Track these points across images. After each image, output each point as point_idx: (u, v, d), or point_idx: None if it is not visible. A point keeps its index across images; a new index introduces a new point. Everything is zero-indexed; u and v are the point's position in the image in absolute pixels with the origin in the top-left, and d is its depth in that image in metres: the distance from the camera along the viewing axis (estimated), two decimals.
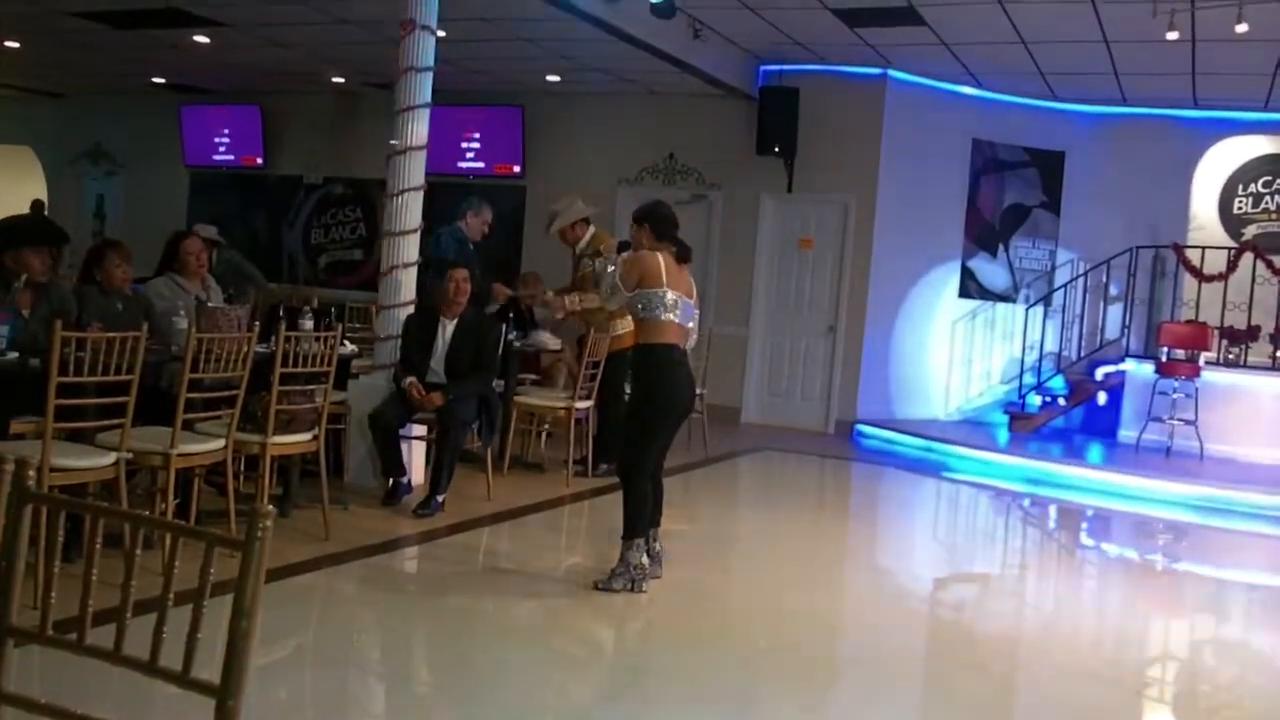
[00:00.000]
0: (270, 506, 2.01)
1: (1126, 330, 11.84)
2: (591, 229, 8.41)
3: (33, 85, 15.55)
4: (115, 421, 4.75)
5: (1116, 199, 11.85)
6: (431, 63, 7.20)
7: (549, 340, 8.96)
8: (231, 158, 14.84)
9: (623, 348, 8.27)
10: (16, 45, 12.70)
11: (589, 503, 7.66)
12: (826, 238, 11.84)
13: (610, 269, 5.49)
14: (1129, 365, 11.39)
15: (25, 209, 14.09)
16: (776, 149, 11.51)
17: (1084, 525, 9.00)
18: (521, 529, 6.80)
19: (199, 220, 11.42)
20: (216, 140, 14.90)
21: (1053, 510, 9.27)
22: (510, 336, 8.08)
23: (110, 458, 4.75)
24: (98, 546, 2.09)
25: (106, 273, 6.13)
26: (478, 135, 13.17)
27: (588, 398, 8.09)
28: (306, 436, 5.84)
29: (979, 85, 11.64)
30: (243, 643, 1.92)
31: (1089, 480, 9.61)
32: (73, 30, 11.54)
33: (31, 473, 2.14)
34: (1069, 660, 5.13)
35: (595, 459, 8.30)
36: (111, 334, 4.70)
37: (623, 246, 6.28)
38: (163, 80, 14.38)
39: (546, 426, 8.91)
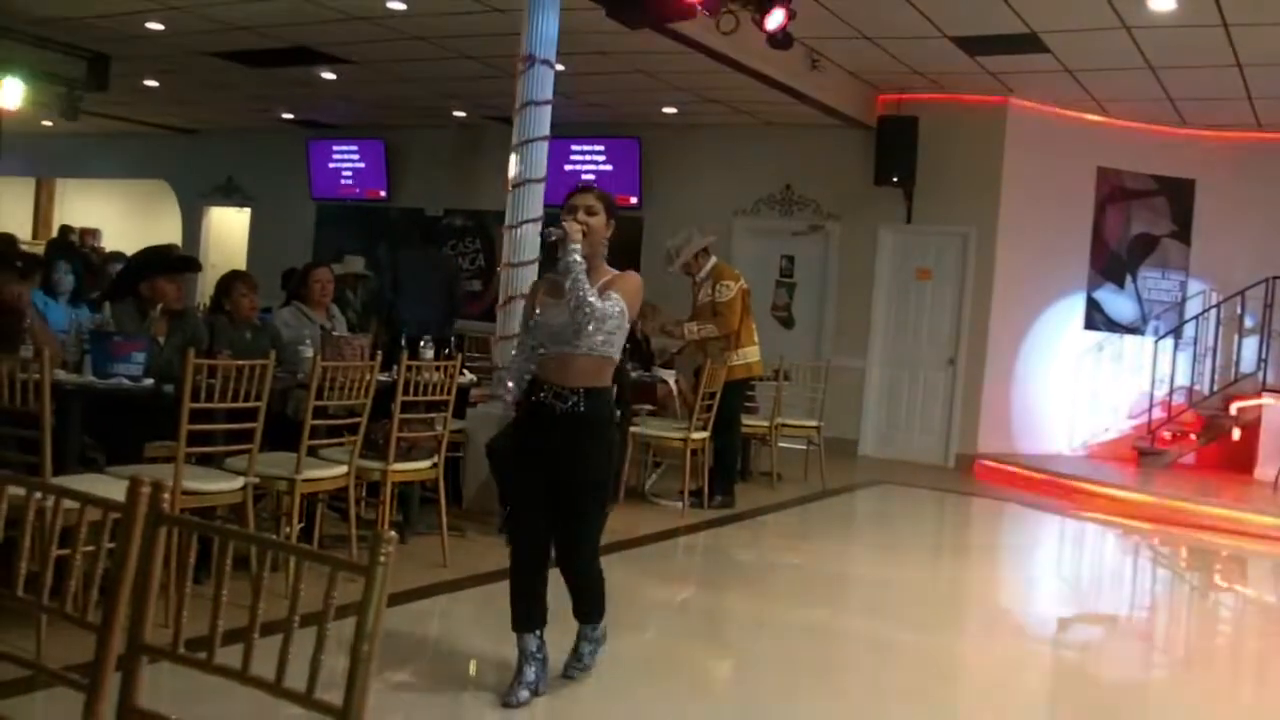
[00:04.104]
0: (392, 532, 2.04)
1: (1263, 363, 11.38)
2: (713, 259, 8.42)
3: (169, 122, 16.19)
4: (243, 447, 4.86)
5: (1251, 227, 11.42)
6: (549, 96, 7.29)
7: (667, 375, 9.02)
8: (356, 190, 15.23)
9: (736, 378, 8.28)
10: (155, 84, 13.25)
11: (703, 535, 7.63)
12: (946, 269, 11.66)
13: (614, 303, 3.95)
14: (1266, 400, 10.95)
15: (164, 241, 14.60)
16: (895, 179, 11.39)
17: (1218, 566, 8.64)
18: (636, 560, 6.78)
19: (330, 252, 11.71)
20: (342, 174, 15.31)
21: (1184, 550, 8.94)
22: (627, 366, 8.11)
23: (238, 482, 4.86)
24: (227, 568, 2.13)
25: (234, 302, 6.34)
26: (595, 167, 13.28)
27: (703, 429, 8.07)
28: (426, 464, 5.91)
29: (1104, 112, 11.37)
30: (364, 665, 1.94)
31: (1223, 519, 9.22)
32: (208, 70, 12.00)
33: (165, 495, 2.20)
34: (1203, 707, 4.92)
35: (711, 491, 8.27)
36: (240, 362, 4.84)
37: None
38: (291, 116, 14.85)
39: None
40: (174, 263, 6.28)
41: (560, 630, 4.17)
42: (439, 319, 9.13)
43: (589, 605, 4.20)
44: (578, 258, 3.84)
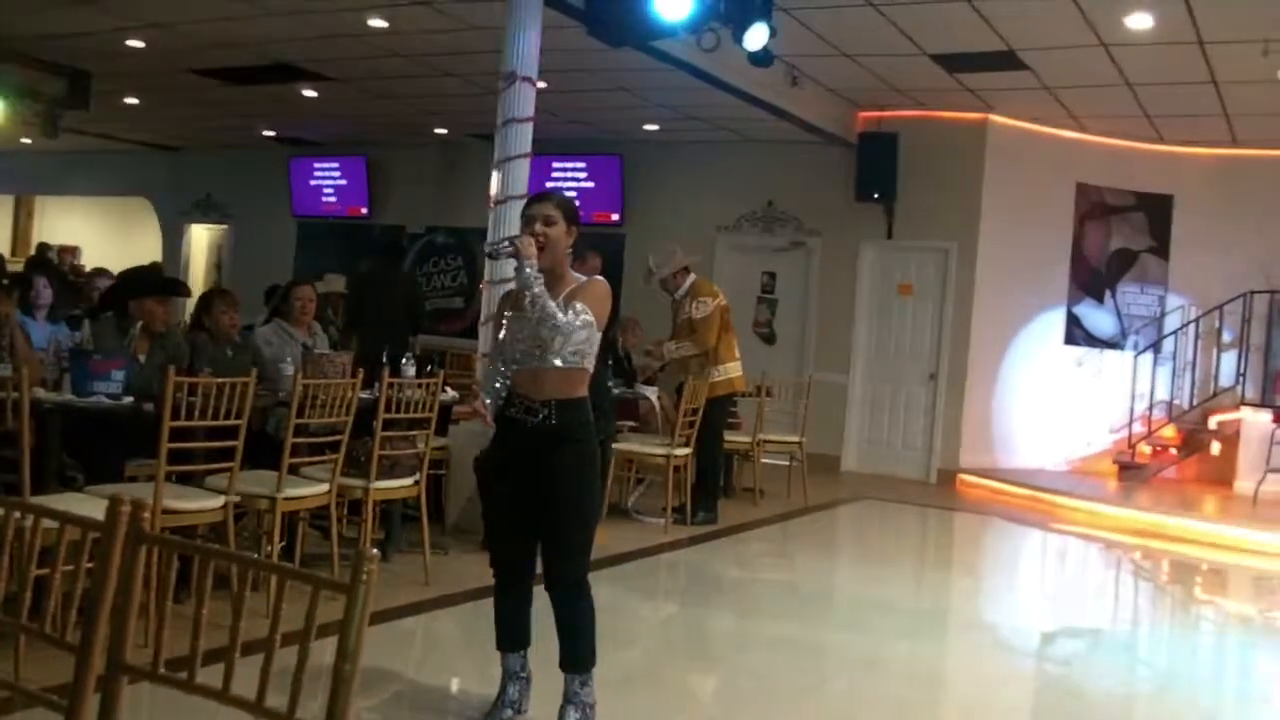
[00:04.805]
0: (374, 550, 2.03)
1: (1241, 378, 11.47)
2: (692, 276, 8.45)
3: (150, 140, 16.15)
4: (224, 465, 4.85)
5: (1229, 242, 11.51)
6: (531, 113, 7.30)
7: (650, 392, 9.02)
8: (338, 208, 15.21)
9: (718, 394, 8.29)
10: (136, 102, 13.22)
11: (686, 551, 7.62)
12: (927, 284, 11.71)
13: (580, 315, 3.76)
14: (1244, 414, 11.02)
15: (144, 259, 14.53)
16: (876, 195, 11.44)
17: (1198, 580, 8.69)
18: (619, 577, 6.77)
19: (311, 270, 11.69)
20: (323, 191, 15.29)
21: (1165, 564, 8.97)
22: (610, 383, 8.11)
23: (219, 500, 4.84)
24: (207, 587, 2.12)
25: (215, 320, 6.32)
26: (577, 184, 13.30)
27: (686, 445, 8.07)
28: (408, 482, 5.90)
29: (1083, 129, 11.45)
30: (346, 685, 1.94)
31: (1203, 533, 9.27)
32: (189, 87, 11.98)
33: (145, 514, 2.19)
34: None
35: (693, 507, 8.27)
36: (221, 379, 4.82)
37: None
38: (272, 133, 14.83)
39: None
40: (165, 285, 6.29)
41: (548, 640, 4.15)
42: (400, 337, 9.15)
43: (574, 645, 3.88)
44: (532, 273, 3.65)
